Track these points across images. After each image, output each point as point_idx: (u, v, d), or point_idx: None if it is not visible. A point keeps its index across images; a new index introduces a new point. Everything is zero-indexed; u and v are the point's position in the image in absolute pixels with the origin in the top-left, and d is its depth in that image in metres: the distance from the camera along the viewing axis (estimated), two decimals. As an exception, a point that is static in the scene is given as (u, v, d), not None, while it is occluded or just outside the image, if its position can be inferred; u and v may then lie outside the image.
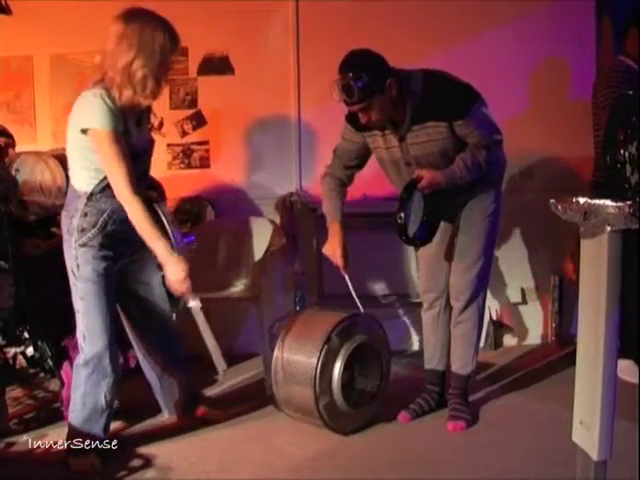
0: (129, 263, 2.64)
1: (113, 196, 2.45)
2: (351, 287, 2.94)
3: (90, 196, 2.45)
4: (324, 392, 2.75)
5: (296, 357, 2.80)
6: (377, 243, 3.92)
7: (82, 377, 2.55)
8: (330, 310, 3.00)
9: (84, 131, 2.36)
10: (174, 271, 2.42)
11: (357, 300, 2.93)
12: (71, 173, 2.52)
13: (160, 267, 2.58)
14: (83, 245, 2.47)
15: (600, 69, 3.77)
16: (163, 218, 2.48)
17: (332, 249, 2.93)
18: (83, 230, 2.47)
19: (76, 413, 2.58)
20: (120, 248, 2.56)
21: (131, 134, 2.45)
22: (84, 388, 2.56)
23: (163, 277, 2.60)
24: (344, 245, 2.93)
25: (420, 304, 3.13)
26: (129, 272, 2.66)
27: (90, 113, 2.34)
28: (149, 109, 2.61)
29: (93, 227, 2.47)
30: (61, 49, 3.83)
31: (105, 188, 2.46)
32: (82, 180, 2.47)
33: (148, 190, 2.65)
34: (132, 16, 2.33)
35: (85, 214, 2.46)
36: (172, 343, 2.85)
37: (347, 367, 2.81)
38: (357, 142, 2.88)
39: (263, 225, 3.74)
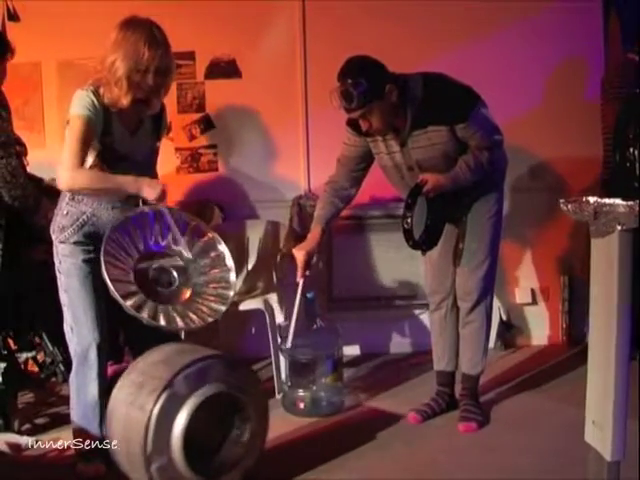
0: None
1: (96, 199, 2.55)
2: (298, 297, 2.94)
3: (73, 196, 2.54)
4: (159, 451, 2.16)
5: (131, 403, 2.25)
6: (385, 244, 3.92)
7: (74, 369, 2.60)
8: (187, 348, 2.47)
9: (68, 122, 2.49)
10: (150, 191, 2.46)
11: (292, 324, 2.96)
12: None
13: None
14: (63, 242, 2.56)
15: (609, 67, 3.76)
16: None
17: (300, 252, 2.90)
18: (63, 228, 2.56)
19: (75, 411, 2.62)
20: (100, 245, 2.55)
21: (114, 136, 2.52)
22: (76, 381, 2.60)
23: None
24: (312, 252, 2.90)
25: (427, 305, 3.13)
26: None
27: (73, 103, 2.48)
28: (157, 128, 2.67)
29: (71, 226, 2.54)
30: (68, 55, 3.84)
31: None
32: None
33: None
34: (126, 24, 2.48)
35: (66, 213, 2.56)
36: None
37: (196, 422, 2.23)
38: (360, 146, 2.88)
39: (272, 228, 3.74)
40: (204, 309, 2.62)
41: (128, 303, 2.42)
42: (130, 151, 2.56)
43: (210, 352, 2.39)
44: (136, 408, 2.20)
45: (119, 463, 2.30)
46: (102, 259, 2.42)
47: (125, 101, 2.47)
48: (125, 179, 2.46)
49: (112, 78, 2.44)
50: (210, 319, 2.61)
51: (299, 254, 2.89)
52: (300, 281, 2.91)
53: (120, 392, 2.31)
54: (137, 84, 2.45)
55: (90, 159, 2.50)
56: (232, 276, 2.70)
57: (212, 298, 2.65)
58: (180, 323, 2.52)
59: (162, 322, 2.47)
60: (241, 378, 2.39)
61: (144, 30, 2.46)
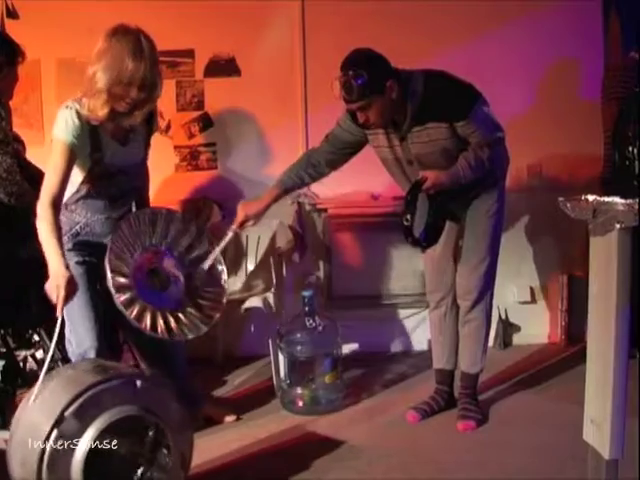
0: None
1: (90, 210, 2.54)
2: (222, 245, 2.74)
3: (65, 206, 2.49)
4: (56, 474, 1.94)
5: (32, 418, 2.05)
6: (385, 243, 3.92)
7: None
8: (102, 365, 2.25)
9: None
10: (51, 280, 2.25)
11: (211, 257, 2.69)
12: None
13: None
14: None
15: (609, 66, 3.76)
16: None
17: (243, 208, 2.82)
18: None
19: None
20: (96, 251, 2.56)
21: (104, 150, 2.47)
22: None
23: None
24: (251, 213, 2.82)
25: (427, 304, 3.13)
26: None
27: (56, 122, 2.41)
28: (148, 132, 2.64)
29: (65, 234, 2.50)
30: (68, 52, 3.84)
31: (79, 200, 2.52)
32: None
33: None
34: (112, 32, 2.38)
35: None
36: (168, 349, 2.79)
37: (106, 448, 2.01)
38: (353, 134, 2.85)
39: (272, 226, 3.74)
40: (198, 315, 2.63)
41: (130, 311, 2.42)
42: (123, 163, 2.52)
43: (123, 371, 2.21)
44: (38, 424, 1.99)
45: (11, 474, 2.07)
46: (107, 267, 2.40)
47: (101, 113, 2.36)
48: (53, 258, 2.24)
49: (90, 89, 2.35)
50: (204, 327, 2.61)
51: (241, 209, 2.81)
52: (229, 233, 2.78)
53: (30, 399, 2.10)
54: (119, 97, 2.34)
55: (80, 176, 2.47)
56: (224, 280, 2.71)
57: (205, 303, 2.67)
58: (176, 331, 2.53)
59: (160, 330, 2.48)
60: (158, 400, 2.14)
61: (130, 40, 2.34)
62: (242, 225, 2.82)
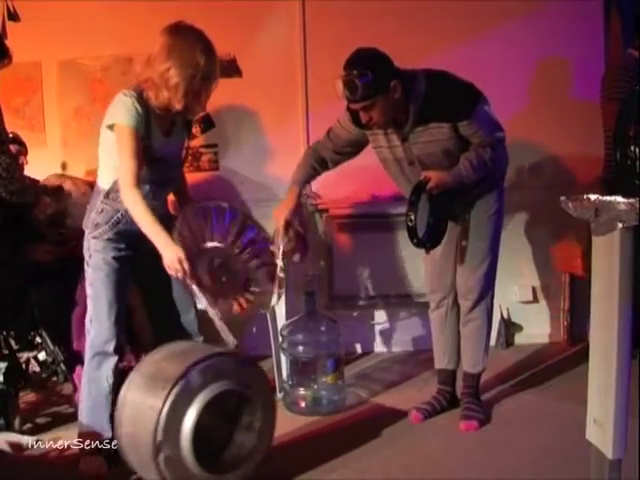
0: (148, 259, 2.62)
1: None
2: (280, 255, 2.80)
3: (107, 194, 2.55)
4: (168, 444, 2.20)
5: (142, 396, 2.28)
6: (386, 243, 3.92)
7: (88, 361, 2.62)
8: (198, 345, 2.58)
9: (110, 127, 2.48)
10: (168, 257, 2.41)
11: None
12: (98, 171, 2.64)
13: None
14: (95, 237, 2.59)
15: (609, 65, 3.76)
16: None
17: (280, 211, 2.85)
18: (97, 225, 2.58)
19: (84, 403, 2.64)
20: (133, 244, 2.61)
21: (152, 139, 2.54)
22: (88, 374, 2.62)
23: None
24: (291, 213, 2.84)
25: (428, 304, 3.13)
26: (148, 268, 2.66)
27: (118, 110, 2.47)
28: (188, 128, 2.73)
29: (106, 223, 2.56)
30: (69, 54, 3.85)
31: None
32: (104, 177, 2.59)
33: None
34: (176, 30, 2.51)
35: (101, 210, 2.57)
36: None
37: (208, 417, 2.29)
38: (353, 134, 2.85)
39: (273, 227, 3.73)
40: (264, 293, 2.73)
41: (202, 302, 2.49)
42: (164, 152, 2.58)
43: (220, 349, 2.42)
44: (148, 400, 2.23)
45: (126, 453, 2.30)
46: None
47: (179, 106, 2.48)
48: (160, 237, 2.41)
49: (163, 84, 2.45)
50: (275, 300, 2.73)
51: (279, 216, 2.82)
52: (280, 246, 2.80)
53: (133, 381, 2.34)
54: (189, 91, 2.47)
55: None
56: (279, 260, 2.79)
57: (264, 281, 2.76)
58: (248, 309, 2.64)
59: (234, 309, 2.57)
60: (250, 375, 2.42)
61: (198, 38, 2.49)
62: (287, 230, 2.84)
